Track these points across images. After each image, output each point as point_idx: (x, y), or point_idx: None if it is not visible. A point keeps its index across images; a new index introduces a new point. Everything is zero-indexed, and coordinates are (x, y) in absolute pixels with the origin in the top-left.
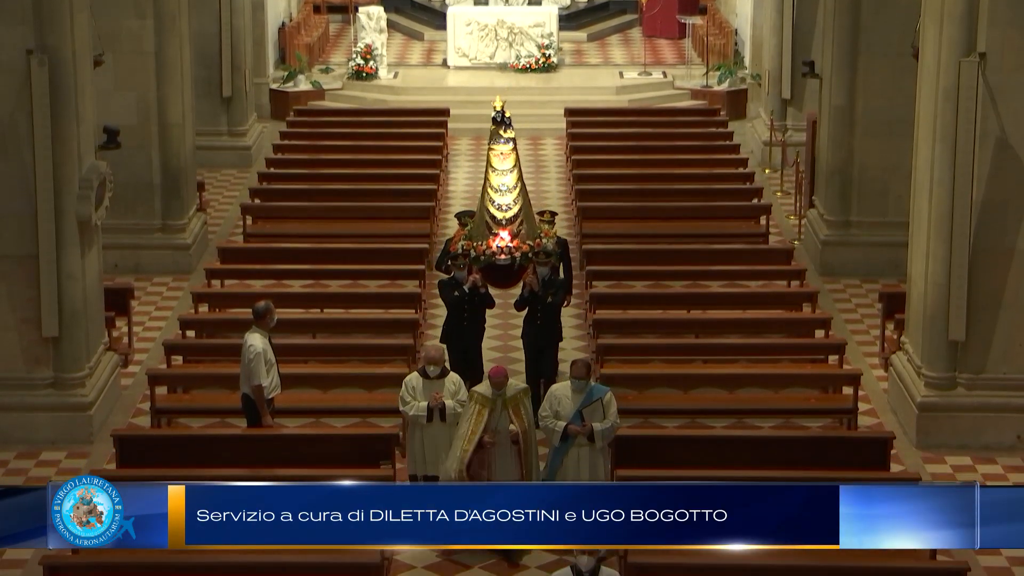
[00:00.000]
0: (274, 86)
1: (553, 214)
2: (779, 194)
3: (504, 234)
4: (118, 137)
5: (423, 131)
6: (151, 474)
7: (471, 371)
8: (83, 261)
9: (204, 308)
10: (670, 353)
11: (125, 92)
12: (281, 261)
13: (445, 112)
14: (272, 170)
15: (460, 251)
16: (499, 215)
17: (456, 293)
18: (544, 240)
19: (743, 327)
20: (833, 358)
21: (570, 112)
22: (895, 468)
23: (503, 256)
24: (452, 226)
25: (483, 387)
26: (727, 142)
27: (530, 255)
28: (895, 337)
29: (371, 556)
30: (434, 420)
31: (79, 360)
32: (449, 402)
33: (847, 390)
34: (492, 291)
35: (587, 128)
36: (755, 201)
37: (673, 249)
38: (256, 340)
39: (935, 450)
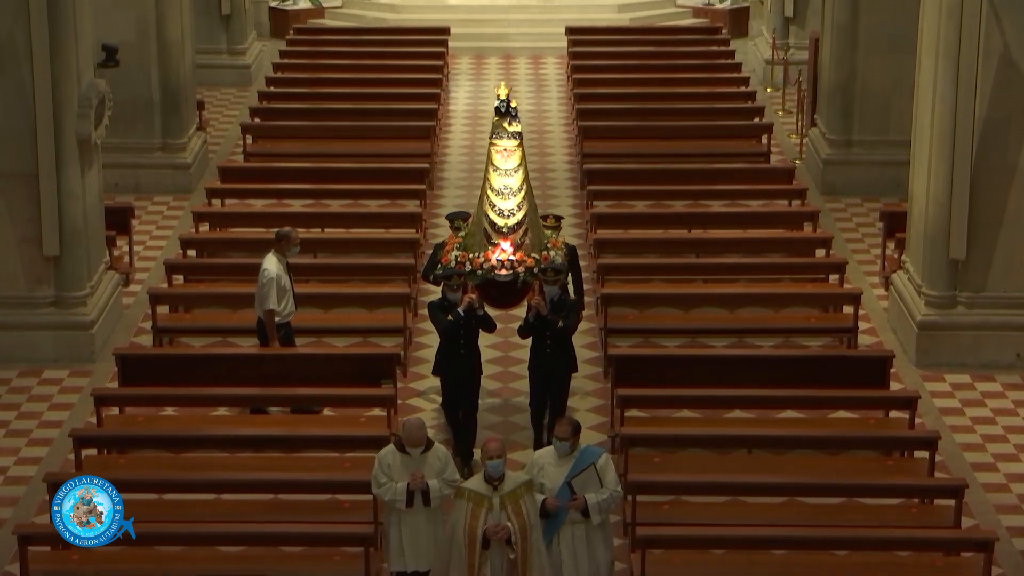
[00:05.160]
0: (273, 4)
1: (558, 218)
2: (781, 113)
3: (506, 245)
4: (117, 55)
5: (424, 50)
6: (153, 393)
7: (467, 409)
8: (83, 180)
9: (205, 227)
10: (671, 273)
11: (123, 9)
12: (282, 180)
13: (446, 31)
14: (272, 89)
15: (453, 263)
16: (500, 222)
17: (449, 318)
18: (552, 253)
19: (744, 246)
20: (834, 277)
21: (571, 31)
22: (894, 387)
23: (504, 271)
24: (455, 145)
25: (475, 482)
26: (729, 60)
27: (536, 271)
28: (896, 256)
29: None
30: (416, 504)
31: (80, 279)
32: (434, 482)
33: (847, 309)
34: (490, 312)
35: (588, 47)
36: (756, 120)
37: (674, 168)
38: (271, 264)
39: (934, 368)
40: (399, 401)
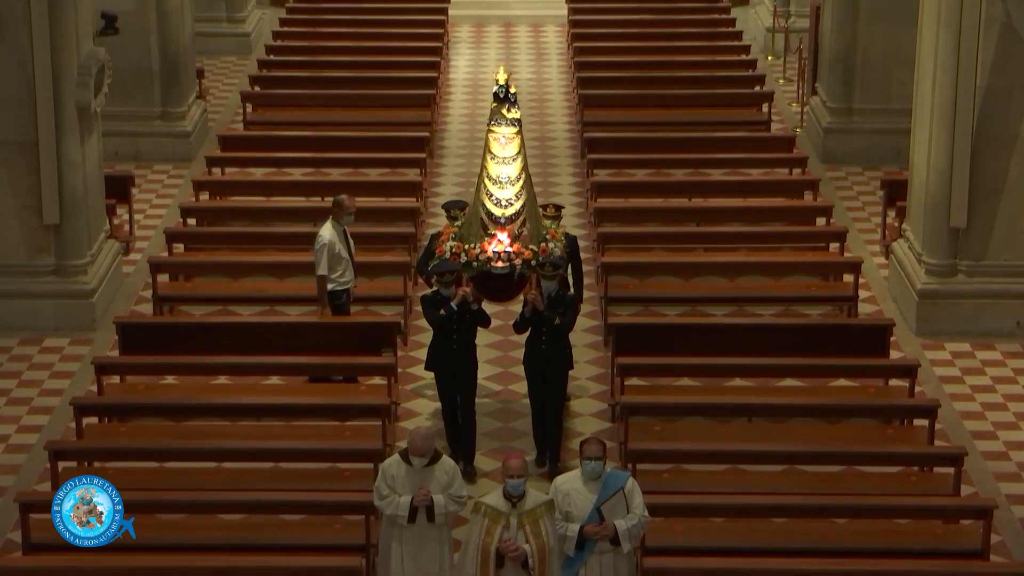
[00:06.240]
0: None
1: (558, 208)
2: (781, 81)
3: (503, 236)
4: (116, 23)
5: (424, 18)
6: (154, 361)
7: (463, 407)
8: (83, 148)
9: (205, 196)
10: (671, 241)
11: None
12: (282, 149)
13: None
14: (272, 57)
15: (448, 254)
16: (497, 212)
17: (442, 312)
18: (551, 245)
19: (744, 215)
20: (834, 246)
21: None
22: (894, 355)
23: (500, 263)
24: (455, 114)
25: (493, 497)
26: (730, 29)
27: (533, 263)
28: (896, 224)
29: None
30: (418, 520)
31: (81, 247)
32: (439, 497)
33: (848, 278)
34: (486, 306)
35: (589, 15)
36: (757, 88)
37: (675, 137)
38: (326, 231)
39: (934, 337)
40: (399, 369)
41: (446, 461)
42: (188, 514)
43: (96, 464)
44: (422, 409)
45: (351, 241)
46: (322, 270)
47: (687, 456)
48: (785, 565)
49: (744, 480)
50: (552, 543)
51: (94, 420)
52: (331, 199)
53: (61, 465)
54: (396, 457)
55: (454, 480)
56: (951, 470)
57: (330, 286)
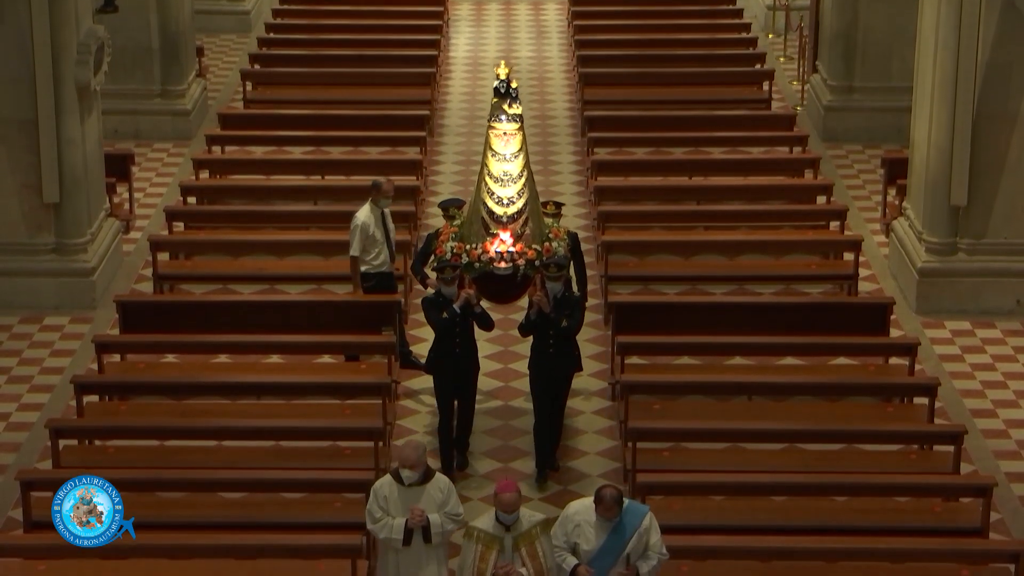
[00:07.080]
0: None
1: (558, 205)
2: (782, 59)
3: (505, 235)
4: (115, 0)
5: None
6: (154, 340)
7: (462, 408)
8: (83, 127)
9: (205, 174)
10: (671, 220)
11: None
12: (282, 127)
13: None
14: (272, 35)
15: (449, 254)
16: (499, 211)
17: (445, 315)
18: (554, 244)
19: (744, 193)
20: (834, 224)
21: None
22: (894, 333)
23: (503, 264)
24: (455, 92)
25: (484, 521)
26: (730, 6)
27: (537, 264)
28: (897, 203)
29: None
30: (415, 542)
31: (81, 226)
32: (434, 517)
33: (848, 256)
34: (487, 307)
35: None
36: (758, 66)
37: (675, 115)
38: (361, 213)
39: (934, 315)
40: (399, 349)
41: (440, 478)
42: (189, 492)
43: (96, 442)
44: (421, 387)
45: (390, 223)
46: (354, 251)
47: (687, 434)
48: (785, 543)
49: (744, 458)
50: (550, 563)
51: (95, 398)
52: (323, 177)
53: (62, 443)
54: (387, 478)
55: (449, 498)
56: (951, 448)
57: (363, 268)
